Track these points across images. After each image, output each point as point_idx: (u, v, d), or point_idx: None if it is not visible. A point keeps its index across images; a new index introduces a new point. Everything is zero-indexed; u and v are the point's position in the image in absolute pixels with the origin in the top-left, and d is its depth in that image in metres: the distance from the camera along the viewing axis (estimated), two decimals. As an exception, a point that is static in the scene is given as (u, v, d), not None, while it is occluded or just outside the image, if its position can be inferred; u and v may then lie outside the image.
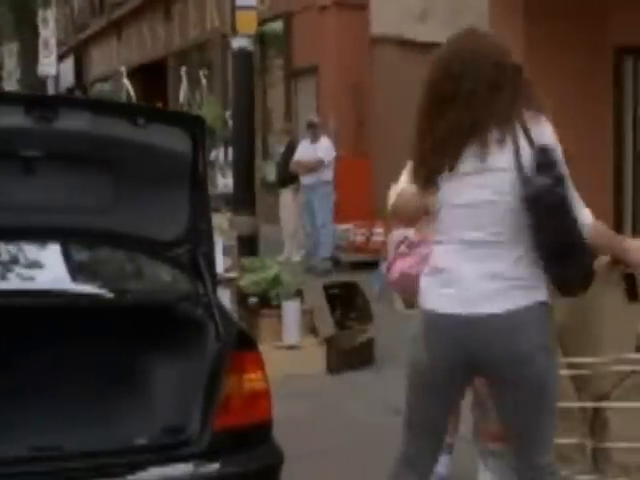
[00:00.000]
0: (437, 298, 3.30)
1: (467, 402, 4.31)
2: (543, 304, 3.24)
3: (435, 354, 3.31)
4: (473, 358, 3.26)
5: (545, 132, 3.36)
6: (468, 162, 3.23)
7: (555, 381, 3.31)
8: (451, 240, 3.31)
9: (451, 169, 3.24)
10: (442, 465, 4.83)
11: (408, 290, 4.61)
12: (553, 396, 3.31)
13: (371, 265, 10.90)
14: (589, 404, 3.69)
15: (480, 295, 3.22)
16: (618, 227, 10.26)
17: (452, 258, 3.29)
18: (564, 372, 3.58)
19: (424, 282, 3.39)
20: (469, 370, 3.37)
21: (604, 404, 3.72)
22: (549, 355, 3.26)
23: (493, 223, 3.24)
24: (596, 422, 3.76)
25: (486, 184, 3.22)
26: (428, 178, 3.33)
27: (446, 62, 3.31)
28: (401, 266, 4.51)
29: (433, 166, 3.28)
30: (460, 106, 3.23)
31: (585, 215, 3.33)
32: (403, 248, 4.56)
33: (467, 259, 3.25)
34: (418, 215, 4.73)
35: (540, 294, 3.24)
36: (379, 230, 12.61)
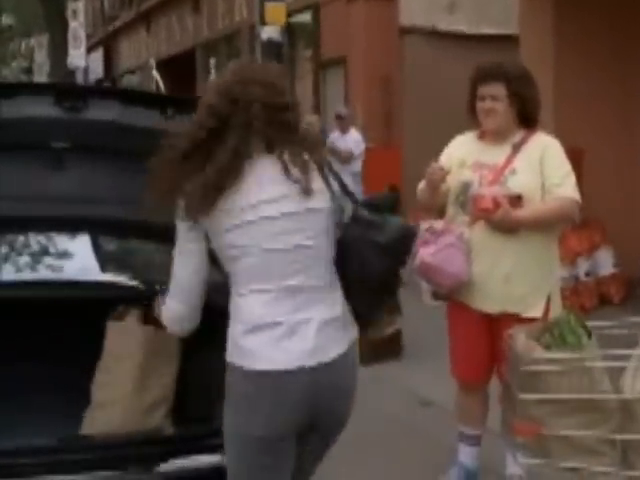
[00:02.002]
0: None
1: (496, 394, 4.31)
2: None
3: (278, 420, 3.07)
4: (316, 412, 3.10)
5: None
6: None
7: None
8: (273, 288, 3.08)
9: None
10: (470, 458, 4.83)
11: (429, 279, 4.61)
12: None
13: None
14: (615, 396, 3.66)
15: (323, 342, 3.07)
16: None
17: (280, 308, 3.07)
18: (600, 364, 3.55)
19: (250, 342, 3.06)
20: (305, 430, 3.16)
21: (630, 396, 3.69)
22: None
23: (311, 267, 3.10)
24: (625, 414, 3.74)
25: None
26: None
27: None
28: (422, 254, 4.51)
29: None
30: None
31: None
32: (427, 235, 4.55)
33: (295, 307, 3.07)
34: (442, 206, 4.75)
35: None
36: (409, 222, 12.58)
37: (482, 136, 4.69)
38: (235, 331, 3.08)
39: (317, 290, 3.09)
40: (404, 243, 3.26)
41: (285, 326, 3.03)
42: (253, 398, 3.03)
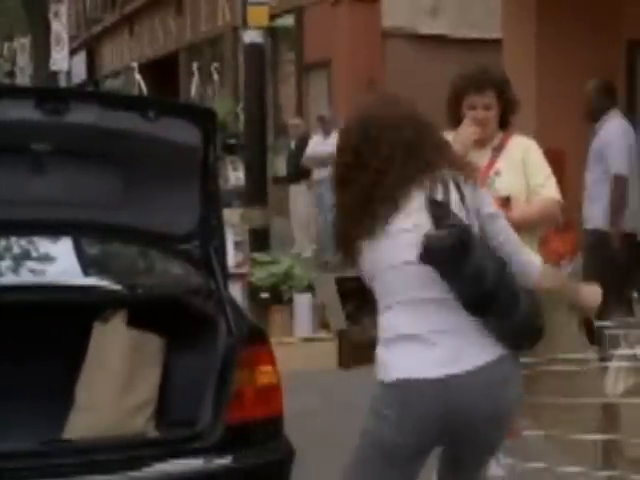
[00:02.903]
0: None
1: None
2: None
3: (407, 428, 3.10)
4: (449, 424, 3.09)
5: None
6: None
7: None
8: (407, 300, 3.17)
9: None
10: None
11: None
12: None
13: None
14: (600, 399, 3.68)
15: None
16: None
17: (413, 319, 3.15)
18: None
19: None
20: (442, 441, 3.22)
21: (615, 399, 3.71)
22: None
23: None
24: (607, 416, 3.76)
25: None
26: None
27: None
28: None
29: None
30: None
31: (529, 259, 3.24)
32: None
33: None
34: None
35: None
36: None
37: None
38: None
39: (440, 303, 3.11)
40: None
41: (418, 338, 3.10)
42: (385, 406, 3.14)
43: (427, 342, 3.07)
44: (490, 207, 3.22)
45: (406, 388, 3.06)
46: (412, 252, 3.02)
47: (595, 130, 7.20)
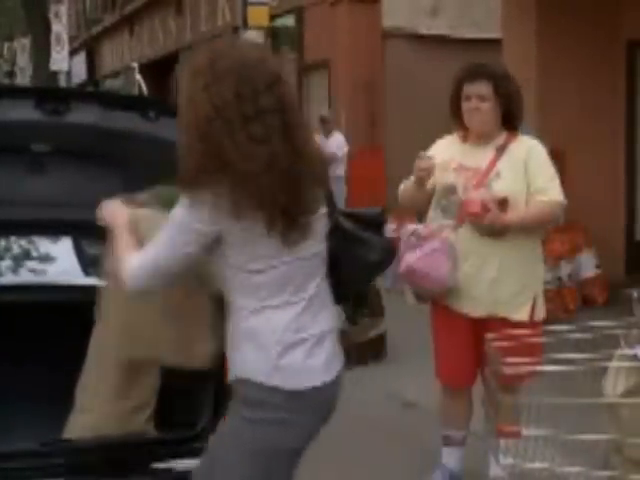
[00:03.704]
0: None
1: (479, 397, 4.32)
2: None
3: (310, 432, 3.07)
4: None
5: None
6: None
7: None
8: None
9: None
10: (454, 460, 4.83)
11: (414, 284, 4.62)
12: None
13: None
14: (600, 400, 3.67)
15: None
16: (630, 224, 10.23)
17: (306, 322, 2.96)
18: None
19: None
20: None
21: (616, 400, 3.70)
22: None
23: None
24: (607, 417, 3.75)
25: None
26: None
27: None
28: (408, 259, 4.52)
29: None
30: None
31: None
32: (412, 239, 4.56)
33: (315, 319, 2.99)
34: (424, 207, 4.76)
35: None
36: (392, 226, 12.57)
37: (465, 139, 4.69)
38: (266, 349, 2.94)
39: (324, 300, 3.04)
40: (388, 261, 3.27)
41: (312, 340, 2.95)
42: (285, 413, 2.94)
43: (321, 344, 2.96)
44: None
45: (309, 395, 2.94)
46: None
47: None
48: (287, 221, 2.80)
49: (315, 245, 2.96)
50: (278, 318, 2.91)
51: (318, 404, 3.00)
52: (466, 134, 4.67)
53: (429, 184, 4.63)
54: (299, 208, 2.83)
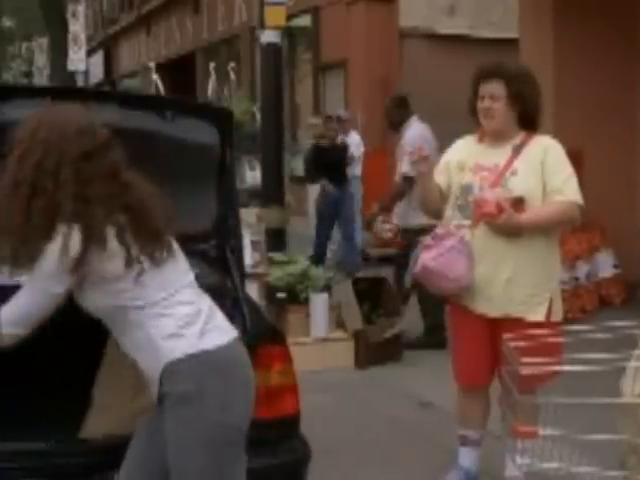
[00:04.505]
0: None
1: (496, 397, 4.31)
2: None
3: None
4: None
5: None
6: None
7: None
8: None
9: None
10: (470, 460, 4.83)
11: (430, 284, 4.62)
12: None
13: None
14: (618, 400, 3.66)
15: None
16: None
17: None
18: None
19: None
20: None
21: (634, 400, 3.69)
22: None
23: None
24: (625, 416, 3.74)
25: None
26: None
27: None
28: (424, 258, 4.51)
29: None
30: None
31: None
32: (428, 239, 4.57)
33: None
34: (437, 207, 4.75)
35: None
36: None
37: (481, 138, 4.68)
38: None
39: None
40: None
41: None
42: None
43: None
44: None
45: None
46: None
47: (400, 137, 8.50)
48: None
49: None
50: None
51: None
52: (483, 134, 4.67)
53: (442, 183, 4.63)
54: None
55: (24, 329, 3.05)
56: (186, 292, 3.14)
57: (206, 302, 3.20)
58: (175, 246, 3.21)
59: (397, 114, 8.61)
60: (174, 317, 3.04)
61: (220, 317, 3.20)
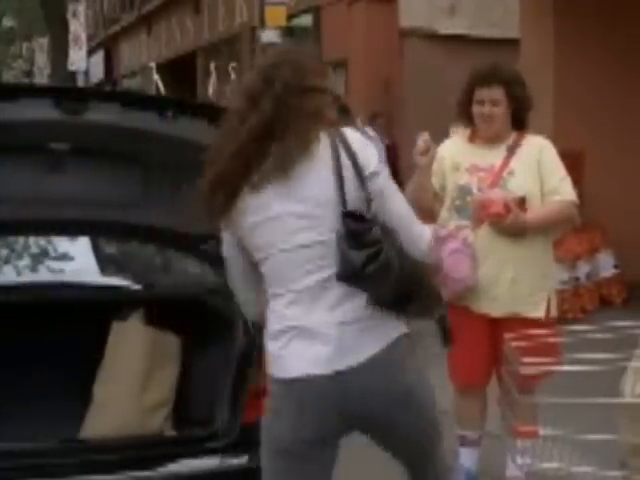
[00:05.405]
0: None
1: (494, 397, 4.31)
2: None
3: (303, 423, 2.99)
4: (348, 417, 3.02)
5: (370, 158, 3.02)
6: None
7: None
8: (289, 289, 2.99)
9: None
10: (470, 460, 4.83)
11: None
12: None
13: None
14: (618, 400, 3.66)
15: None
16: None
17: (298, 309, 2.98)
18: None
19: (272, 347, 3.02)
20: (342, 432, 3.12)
21: (635, 400, 3.69)
22: None
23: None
24: (626, 417, 3.74)
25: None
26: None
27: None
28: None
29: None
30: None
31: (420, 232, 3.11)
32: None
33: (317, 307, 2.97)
34: (431, 207, 4.75)
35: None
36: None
37: (473, 138, 4.69)
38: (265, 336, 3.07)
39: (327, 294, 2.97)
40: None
41: (293, 332, 2.96)
42: (279, 402, 3.01)
43: (319, 336, 2.94)
44: (371, 165, 3.00)
45: (299, 385, 2.95)
46: (307, 236, 2.93)
47: None
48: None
49: (313, 235, 2.95)
50: (270, 308, 3.01)
51: (307, 396, 2.95)
52: (474, 134, 4.67)
53: (435, 184, 4.63)
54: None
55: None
56: None
57: None
58: None
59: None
60: None
61: None
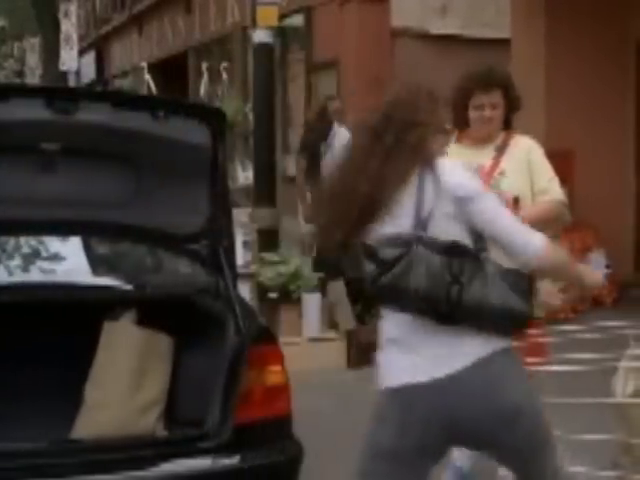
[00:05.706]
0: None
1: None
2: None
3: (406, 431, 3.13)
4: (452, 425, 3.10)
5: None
6: None
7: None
8: None
9: None
10: (464, 459, 4.82)
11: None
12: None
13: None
14: (610, 400, 3.67)
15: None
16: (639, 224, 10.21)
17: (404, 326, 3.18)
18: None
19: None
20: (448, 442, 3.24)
21: (626, 400, 3.70)
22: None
23: None
24: (616, 417, 3.75)
25: None
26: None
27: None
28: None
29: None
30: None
31: (526, 241, 3.19)
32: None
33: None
34: None
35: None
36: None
37: (460, 139, 4.69)
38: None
39: None
40: None
41: (401, 342, 3.16)
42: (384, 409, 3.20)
43: (412, 347, 3.13)
44: (460, 190, 3.15)
45: (401, 394, 3.12)
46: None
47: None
48: None
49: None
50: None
51: (411, 404, 3.08)
52: (461, 135, 4.67)
53: None
54: None
55: None
56: None
57: None
58: None
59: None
60: None
61: None
